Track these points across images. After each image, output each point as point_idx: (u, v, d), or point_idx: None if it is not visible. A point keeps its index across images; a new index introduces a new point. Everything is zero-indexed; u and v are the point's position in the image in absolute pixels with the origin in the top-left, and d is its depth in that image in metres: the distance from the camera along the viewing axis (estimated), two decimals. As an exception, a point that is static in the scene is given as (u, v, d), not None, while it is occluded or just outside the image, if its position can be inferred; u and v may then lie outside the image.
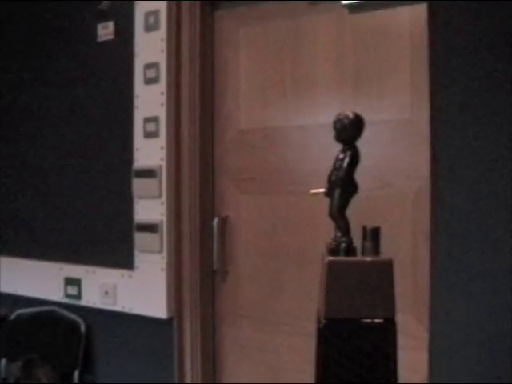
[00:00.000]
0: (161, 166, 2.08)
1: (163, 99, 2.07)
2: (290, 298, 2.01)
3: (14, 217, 2.57)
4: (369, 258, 0.64)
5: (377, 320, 0.62)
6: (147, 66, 2.11)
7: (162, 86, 2.07)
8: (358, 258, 0.65)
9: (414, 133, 1.76)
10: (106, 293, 2.23)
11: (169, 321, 2.10)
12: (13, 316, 2.48)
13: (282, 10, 2.01)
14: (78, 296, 2.32)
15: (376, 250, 0.65)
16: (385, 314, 0.62)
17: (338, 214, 0.68)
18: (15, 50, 2.55)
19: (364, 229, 0.66)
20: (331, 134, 0.68)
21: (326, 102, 1.94)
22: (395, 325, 0.62)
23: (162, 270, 2.09)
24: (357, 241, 0.67)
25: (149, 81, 2.11)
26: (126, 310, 2.19)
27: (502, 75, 1.53)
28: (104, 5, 2.23)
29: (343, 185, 0.67)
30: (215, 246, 2.13)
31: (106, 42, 2.25)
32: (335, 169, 0.68)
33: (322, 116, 1.93)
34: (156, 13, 2.08)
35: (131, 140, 2.16)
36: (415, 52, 1.75)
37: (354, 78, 1.88)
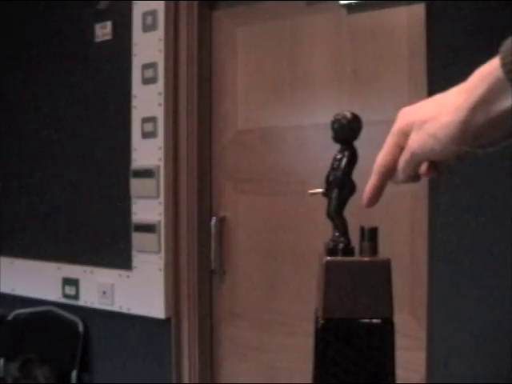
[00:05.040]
0: (159, 166, 2.08)
1: (161, 99, 2.07)
2: (288, 298, 2.01)
3: (12, 217, 2.57)
4: (366, 258, 0.64)
5: (375, 320, 0.62)
6: (145, 66, 2.11)
7: (159, 86, 2.07)
8: (356, 258, 0.65)
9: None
10: (104, 293, 2.23)
11: (166, 321, 2.10)
12: (11, 316, 2.48)
13: (279, 10, 2.01)
14: (76, 296, 2.32)
15: (374, 250, 0.65)
16: (383, 314, 0.62)
17: (336, 214, 0.67)
18: (12, 50, 2.55)
19: (362, 229, 0.65)
20: (329, 134, 0.68)
21: (324, 102, 1.94)
22: (393, 325, 0.62)
23: (160, 270, 2.09)
24: (355, 241, 0.67)
25: (147, 81, 2.10)
26: (124, 310, 2.19)
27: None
28: (102, 5, 2.23)
29: (341, 185, 0.67)
30: (213, 246, 2.13)
31: (103, 42, 2.24)
32: (333, 169, 0.68)
33: (319, 116, 1.93)
34: (154, 13, 2.08)
35: (129, 140, 2.16)
36: (413, 52, 1.75)
37: (351, 78, 1.88)
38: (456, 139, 0.52)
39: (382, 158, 0.62)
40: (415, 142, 0.56)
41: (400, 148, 0.59)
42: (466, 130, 0.51)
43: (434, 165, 0.59)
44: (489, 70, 0.50)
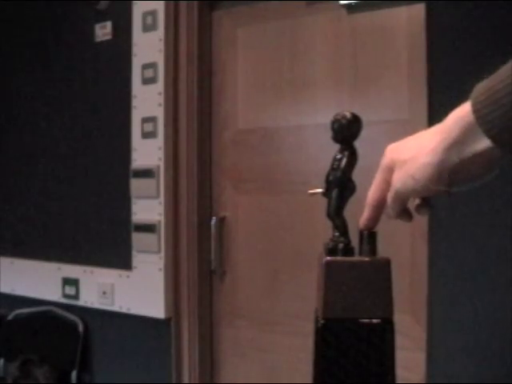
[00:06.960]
0: (159, 166, 2.08)
1: (161, 99, 2.07)
2: (288, 298, 2.01)
3: (12, 217, 2.56)
4: (366, 258, 0.64)
5: (375, 320, 0.62)
6: (145, 66, 2.11)
7: (159, 86, 2.07)
8: (356, 257, 0.65)
9: (411, 133, 1.74)
10: (104, 293, 2.23)
11: (166, 321, 2.10)
12: (11, 316, 2.48)
13: (279, 10, 2.01)
14: (76, 296, 2.32)
15: (373, 253, 0.65)
16: (383, 314, 0.62)
17: (336, 214, 0.67)
18: (12, 50, 2.55)
19: (361, 233, 0.66)
20: (329, 134, 0.68)
21: (324, 102, 1.94)
22: (393, 325, 0.62)
23: (160, 270, 2.09)
24: (354, 241, 0.67)
25: (147, 81, 2.10)
26: (124, 310, 2.19)
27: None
28: (102, 5, 2.23)
29: (341, 185, 0.67)
30: (213, 246, 2.13)
31: (103, 42, 2.24)
32: (333, 169, 0.68)
33: (319, 116, 1.93)
34: (154, 13, 2.08)
35: (129, 140, 2.16)
36: (413, 52, 1.75)
37: (351, 78, 1.88)
38: (433, 179, 0.56)
39: (372, 192, 0.64)
40: (397, 180, 0.60)
41: (387, 183, 0.62)
42: (441, 170, 0.55)
43: (424, 201, 0.63)
44: (461, 114, 0.52)
